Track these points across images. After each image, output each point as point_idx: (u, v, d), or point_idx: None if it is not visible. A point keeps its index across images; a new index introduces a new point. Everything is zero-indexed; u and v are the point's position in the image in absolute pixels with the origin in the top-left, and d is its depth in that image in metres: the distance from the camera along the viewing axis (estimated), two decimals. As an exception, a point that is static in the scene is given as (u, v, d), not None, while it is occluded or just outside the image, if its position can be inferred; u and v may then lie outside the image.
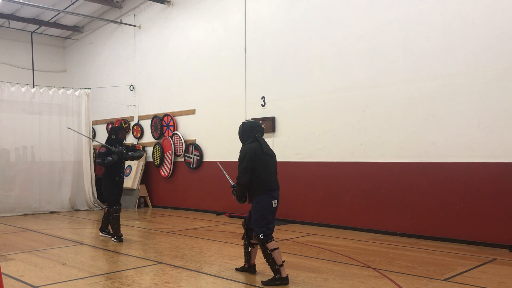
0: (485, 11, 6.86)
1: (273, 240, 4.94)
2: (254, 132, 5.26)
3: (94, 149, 14.10)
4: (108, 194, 7.60)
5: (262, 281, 4.89)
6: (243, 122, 5.41)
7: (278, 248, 4.92)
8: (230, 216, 10.37)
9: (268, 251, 4.85)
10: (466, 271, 5.35)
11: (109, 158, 7.37)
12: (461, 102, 7.07)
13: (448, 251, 6.49)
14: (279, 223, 9.19)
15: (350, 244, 7.09)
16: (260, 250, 5.01)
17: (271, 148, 5.51)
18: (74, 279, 5.13)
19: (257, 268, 5.36)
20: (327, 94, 8.76)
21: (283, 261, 4.91)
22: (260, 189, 4.99)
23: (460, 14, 7.11)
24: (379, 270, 5.37)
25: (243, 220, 5.41)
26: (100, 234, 7.95)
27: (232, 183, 5.39)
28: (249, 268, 5.34)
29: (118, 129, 7.78)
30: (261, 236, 4.89)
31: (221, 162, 10.78)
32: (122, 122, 13.62)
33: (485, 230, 6.80)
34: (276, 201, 5.05)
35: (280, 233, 8.16)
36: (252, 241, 5.22)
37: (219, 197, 10.86)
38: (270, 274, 5.00)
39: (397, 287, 4.71)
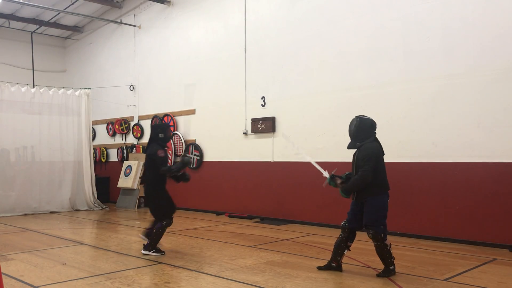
0: (485, 11, 6.86)
1: (387, 237, 5.11)
2: (374, 132, 5.23)
3: (95, 149, 14.13)
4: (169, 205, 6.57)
5: (377, 274, 5.12)
6: (360, 118, 5.24)
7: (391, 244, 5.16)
8: (230, 216, 10.37)
9: (388, 248, 5.05)
10: (466, 271, 5.35)
11: (173, 168, 6.43)
12: (461, 102, 7.07)
13: (448, 251, 6.49)
14: (279, 223, 9.20)
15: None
16: (376, 247, 5.09)
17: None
18: (74, 279, 5.13)
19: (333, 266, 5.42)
20: (327, 94, 8.76)
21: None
22: (379, 188, 5.06)
23: (460, 14, 7.11)
24: (379, 270, 5.37)
25: (343, 222, 5.31)
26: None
27: (326, 172, 5.41)
28: (337, 267, 5.33)
29: (166, 126, 6.75)
30: (382, 235, 4.99)
31: (221, 162, 10.88)
32: (122, 122, 13.63)
33: (485, 230, 6.80)
34: (388, 200, 5.16)
35: (280, 233, 8.16)
36: (349, 244, 5.27)
37: (219, 197, 10.86)
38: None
39: (397, 287, 4.71)
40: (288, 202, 9.40)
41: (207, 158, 11.26)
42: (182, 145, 11.78)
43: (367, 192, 5.05)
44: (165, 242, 7.40)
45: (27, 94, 11.74)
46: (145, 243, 6.52)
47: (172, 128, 6.87)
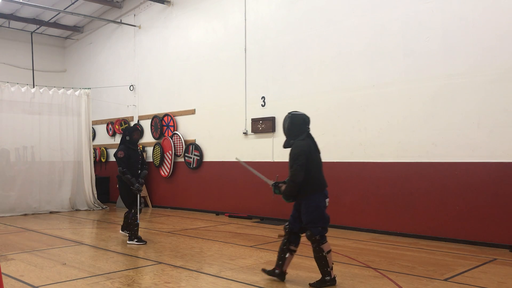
0: (485, 11, 6.87)
1: (327, 242, 4.73)
2: (306, 127, 4.88)
3: (95, 149, 14.13)
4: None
5: (310, 284, 4.72)
6: (292, 114, 4.91)
7: (331, 250, 4.75)
8: (230, 216, 10.37)
9: (324, 253, 4.65)
10: (466, 271, 5.35)
11: (129, 176, 7.22)
12: (461, 102, 7.07)
13: (448, 251, 6.49)
14: (279, 223, 9.19)
15: (350, 244, 7.09)
16: (313, 251, 4.74)
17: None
18: (74, 279, 5.13)
19: (285, 276, 4.96)
20: (327, 94, 8.76)
21: (333, 263, 4.77)
22: (313, 187, 4.73)
23: (460, 14, 7.11)
24: (379, 270, 5.37)
25: (284, 224, 5.01)
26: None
27: (270, 182, 5.09)
28: (279, 274, 4.89)
29: (133, 129, 7.55)
30: (317, 237, 4.65)
31: (221, 162, 10.87)
32: (122, 122, 13.63)
33: (485, 230, 6.80)
34: (328, 199, 4.81)
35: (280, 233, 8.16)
36: (292, 247, 4.87)
37: (219, 197, 10.86)
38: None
39: (397, 287, 4.71)
40: (288, 202, 9.38)
41: (207, 158, 11.26)
42: (182, 145, 11.78)
43: (301, 193, 4.74)
44: (165, 242, 7.41)
45: (27, 94, 11.75)
46: (128, 235, 7.37)
47: (138, 132, 7.87)
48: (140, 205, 7.49)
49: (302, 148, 4.73)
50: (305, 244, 7.04)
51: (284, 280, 4.93)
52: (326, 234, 4.78)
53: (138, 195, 7.40)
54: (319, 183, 4.78)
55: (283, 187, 4.92)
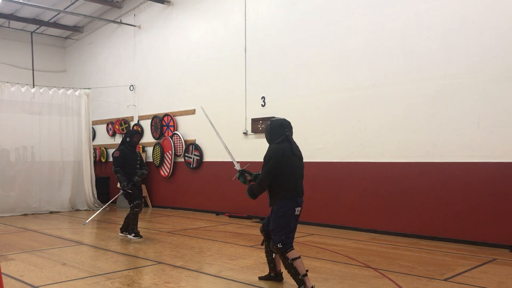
0: (485, 11, 6.87)
1: (293, 249, 4.51)
2: (284, 131, 4.74)
3: (95, 149, 14.13)
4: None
5: None
6: (271, 121, 4.89)
7: (300, 257, 4.48)
8: (230, 216, 10.37)
9: (289, 261, 4.42)
10: (466, 271, 5.35)
11: (120, 175, 7.54)
12: (461, 102, 7.07)
13: (448, 251, 6.49)
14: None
15: (350, 244, 7.09)
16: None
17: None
18: (74, 279, 5.13)
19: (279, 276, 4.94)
20: (327, 94, 8.76)
21: (307, 270, 4.47)
22: (283, 194, 4.56)
23: (460, 14, 7.11)
24: (379, 270, 5.37)
25: (261, 225, 4.95)
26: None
27: (238, 166, 5.06)
28: (275, 276, 4.92)
29: (134, 132, 8.00)
30: (279, 245, 4.47)
31: (221, 162, 10.87)
32: (122, 122, 13.63)
33: (485, 230, 6.80)
34: (300, 208, 4.61)
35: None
36: None
37: (219, 197, 10.86)
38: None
39: (397, 287, 4.71)
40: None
41: (207, 158, 11.26)
42: (182, 145, 11.78)
43: (273, 197, 4.64)
44: (165, 242, 7.41)
45: (27, 94, 11.75)
46: (130, 236, 7.67)
47: (139, 135, 8.24)
48: (137, 203, 7.70)
49: (273, 151, 4.63)
50: (304, 244, 7.05)
51: (283, 280, 4.92)
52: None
53: (122, 192, 7.71)
54: (290, 189, 4.58)
55: (249, 177, 4.99)
